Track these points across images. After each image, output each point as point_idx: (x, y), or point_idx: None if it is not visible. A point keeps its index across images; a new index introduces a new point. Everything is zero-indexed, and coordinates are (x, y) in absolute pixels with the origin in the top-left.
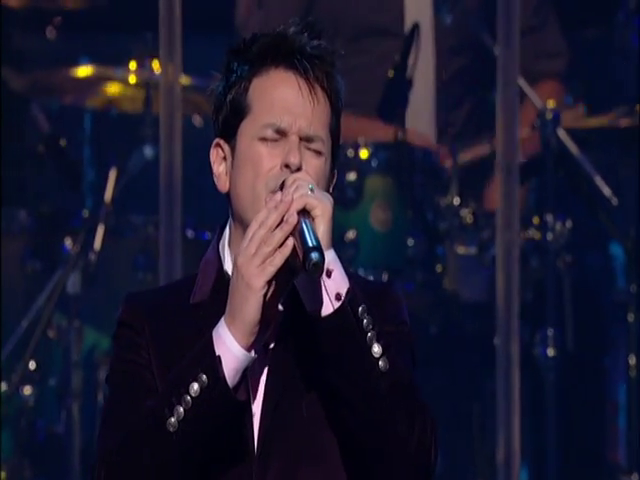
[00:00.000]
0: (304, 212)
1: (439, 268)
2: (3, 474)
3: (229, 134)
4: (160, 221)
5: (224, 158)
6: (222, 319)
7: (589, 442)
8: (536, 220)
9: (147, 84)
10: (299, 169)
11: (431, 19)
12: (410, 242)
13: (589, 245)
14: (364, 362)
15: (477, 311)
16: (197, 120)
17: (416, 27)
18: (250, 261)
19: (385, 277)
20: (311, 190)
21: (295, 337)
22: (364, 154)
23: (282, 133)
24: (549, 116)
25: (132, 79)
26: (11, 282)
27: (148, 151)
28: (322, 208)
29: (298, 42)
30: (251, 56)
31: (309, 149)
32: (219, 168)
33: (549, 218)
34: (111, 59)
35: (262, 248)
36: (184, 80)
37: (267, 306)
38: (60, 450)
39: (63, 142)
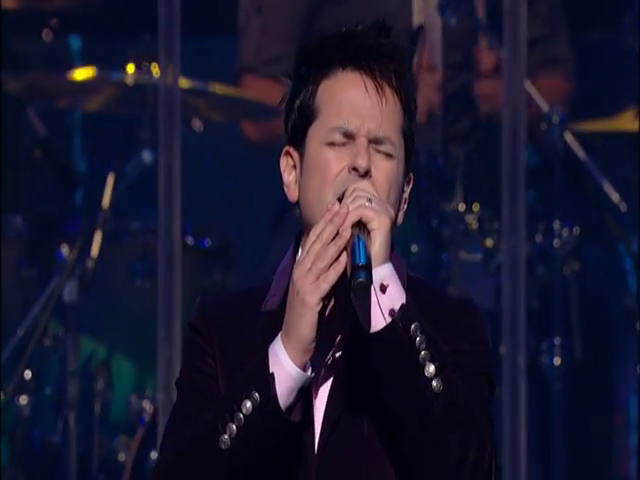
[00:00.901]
0: (360, 225)
1: (444, 275)
2: None
3: (298, 140)
4: (159, 227)
5: (294, 166)
6: (279, 335)
7: (597, 455)
8: (542, 226)
9: (145, 87)
10: (367, 172)
11: (438, 24)
12: (414, 248)
13: (597, 252)
14: (416, 382)
15: None
16: (196, 124)
17: (420, 29)
18: (305, 277)
19: None
20: (369, 201)
21: (359, 353)
22: None
23: (350, 136)
24: (556, 120)
25: (130, 82)
26: (6, 289)
27: (147, 155)
28: (379, 221)
29: (365, 41)
30: (318, 58)
31: (379, 152)
32: (289, 177)
33: (556, 224)
34: (109, 61)
35: (316, 263)
36: (183, 83)
37: (327, 322)
38: (56, 461)
39: (59, 146)
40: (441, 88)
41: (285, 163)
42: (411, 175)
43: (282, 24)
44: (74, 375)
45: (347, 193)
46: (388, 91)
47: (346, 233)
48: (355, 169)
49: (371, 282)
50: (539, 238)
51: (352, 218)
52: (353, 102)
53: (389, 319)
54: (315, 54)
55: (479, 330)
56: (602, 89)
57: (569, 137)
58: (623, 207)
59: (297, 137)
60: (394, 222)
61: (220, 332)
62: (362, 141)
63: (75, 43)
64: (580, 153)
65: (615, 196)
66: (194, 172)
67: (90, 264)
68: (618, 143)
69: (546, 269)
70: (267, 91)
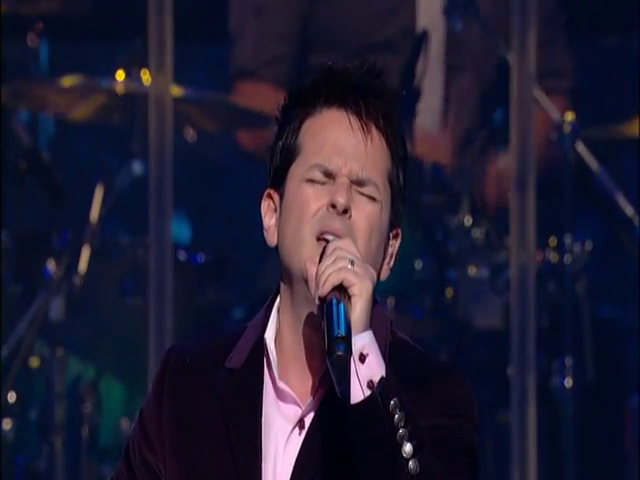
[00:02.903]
0: (341, 288)
1: (449, 292)
2: None
3: (279, 181)
4: (150, 242)
5: (275, 210)
6: None
7: (608, 478)
8: (553, 241)
9: (136, 95)
10: (347, 211)
11: (443, 29)
12: (418, 264)
13: (610, 268)
14: (392, 462)
15: (490, 339)
16: (189, 134)
17: (424, 35)
18: None
19: (391, 302)
20: (351, 263)
21: (331, 421)
22: None
23: (331, 175)
24: (567, 129)
25: (120, 89)
26: None
27: (137, 167)
28: (360, 287)
29: (353, 79)
30: (303, 95)
31: (361, 194)
32: (269, 221)
33: (567, 239)
34: (97, 68)
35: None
36: (175, 91)
37: (300, 380)
38: None
39: (45, 157)
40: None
41: (266, 207)
42: (399, 230)
43: (281, 25)
44: (61, 398)
45: (327, 251)
46: (374, 131)
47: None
48: (334, 206)
49: (350, 354)
50: (550, 253)
51: (332, 281)
52: (336, 140)
53: (367, 392)
54: (301, 93)
55: (462, 402)
56: (613, 96)
57: (581, 147)
58: (637, 221)
59: (278, 177)
60: (377, 278)
61: (175, 397)
62: (343, 180)
63: (62, 49)
64: (593, 164)
65: (629, 210)
66: (186, 184)
67: (78, 281)
68: (630, 153)
69: (557, 286)
70: (264, 96)
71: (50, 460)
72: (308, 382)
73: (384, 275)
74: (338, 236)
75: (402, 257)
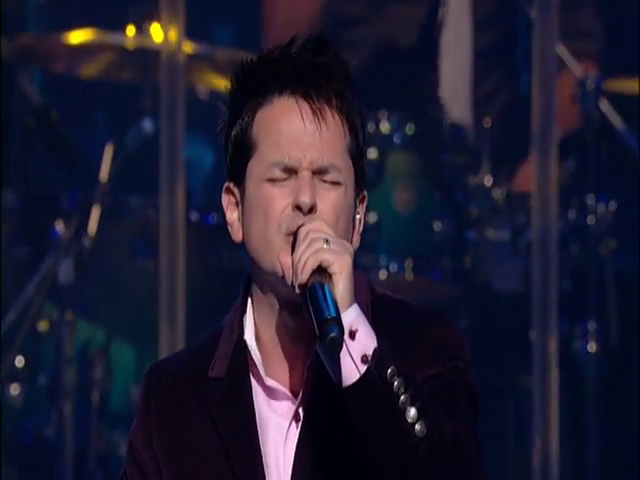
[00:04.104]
0: (320, 270)
1: (469, 255)
2: None
3: (238, 176)
4: (161, 202)
5: (236, 204)
6: None
7: (633, 445)
8: (576, 202)
9: (147, 51)
10: (312, 208)
11: None
12: (437, 226)
13: (634, 229)
14: (398, 429)
15: (511, 302)
16: (202, 91)
17: None
18: None
19: (410, 264)
20: (326, 242)
21: (326, 407)
22: (386, 128)
23: (292, 171)
24: (590, 87)
25: (130, 45)
26: None
27: (147, 125)
28: (340, 264)
29: (301, 64)
30: (252, 85)
31: (324, 181)
32: (232, 215)
33: (590, 199)
34: (107, 23)
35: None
36: (187, 47)
37: (290, 370)
38: (51, 455)
39: (54, 115)
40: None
41: (227, 201)
42: (364, 193)
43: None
44: (70, 362)
45: (300, 237)
46: (329, 114)
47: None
48: (299, 207)
49: (343, 334)
50: (572, 214)
51: (311, 264)
52: (291, 132)
53: (363, 368)
54: (249, 80)
55: (453, 344)
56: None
57: (605, 105)
58: None
59: (236, 173)
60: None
61: (163, 420)
62: (305, 175)
63: (71, 3)
64: (617, 122)
65: None
66: (198, 143)
67: (87, 242)
68: None
69: (580, 248)
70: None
71: (59, 426)
72: (295, 374)
73: (356, 244)
74: None
75: (421, 218)
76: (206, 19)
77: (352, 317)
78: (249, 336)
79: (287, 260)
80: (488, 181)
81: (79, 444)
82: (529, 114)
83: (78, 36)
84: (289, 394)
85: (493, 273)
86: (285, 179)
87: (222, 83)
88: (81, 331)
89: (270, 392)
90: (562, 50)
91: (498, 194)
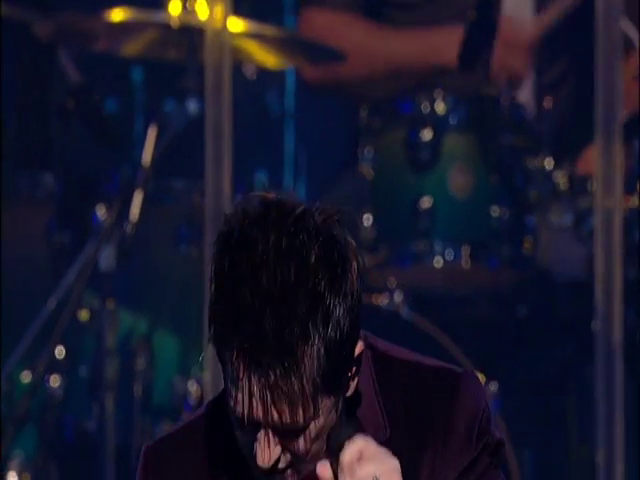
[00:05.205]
0: None
1: (528, 241)
2: (26, 477)
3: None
4: (206, 186)
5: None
6: None
7: None
8: None
9: (191, 29)
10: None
11: None
12: (495, 211)
13: None
14: None
15: (572, 291)
16: (249, 70)
17: None
18: None
19: (466, 251)
20: None
21: None
22: (441, 109)
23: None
24: None
25: (174, 23)
26: (35, 257)
27: (192, 106)
28: None
29: (254, 329)
30: (220, 332)
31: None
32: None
33: None
34: (150, 0)
35: None
36: (234, 24)
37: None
38: (91, 450)
39: (95, 96)
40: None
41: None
42: (360, 344)
43: None
44: (112, 353)
45: (343, 470)
46: (286, 386)
47: None
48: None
49: None
50: (637, 199)
51: None
52: (246, 399)
53: None
54: (218, 327)
55: (481, 413)
56: None
57: None
58: None
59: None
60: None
61: None
62: (260, 435)
63: None
64: None
65: None
66: (245, 124)
67: (129, 228)
68: None
69: None
70: (331, 28)
71: (100, 419)
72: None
73: (351, 390)
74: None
75: (477, 202)
76: None
77: None
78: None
79: (326, 475)
80: (549, 164)
81: (121, 438)
82: (593, 94)
83: (119, 14)
84: None
85: (554, 260)
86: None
87: (270, 61)
88: (123, 321)
89: None
90: (628, 26)
91: (559, 178)
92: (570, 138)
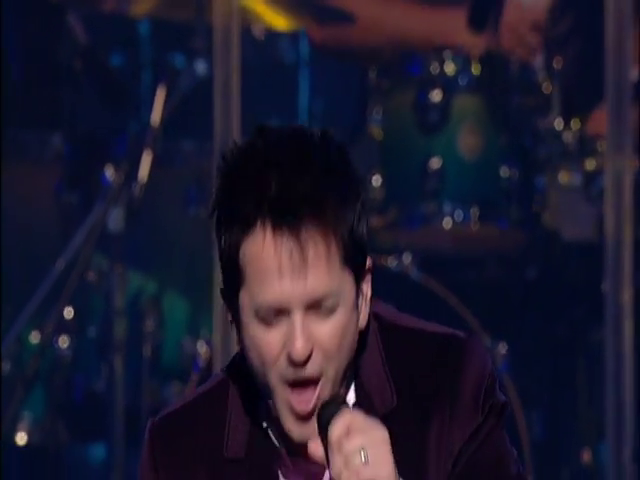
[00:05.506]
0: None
1: (538, 202)
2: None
3: (230, 298)
4: (215, 148)
5: (231, 320)
6: None
7: None
8: None
9: None
10: (308, 358)
11: None
12: (504, 172)
13: None
14: None
15: (582, 252)
16: (258, 31)
17: None
18: None
19: (475, 212)
20: (363, 452)
21: None
22: (450, 69)
23: (282, 312)
24: None
25: None
26: (44, 217)
27: (201, 67)
28: (383, 476)
29: (282, 188)
30: (235, 211)
31: (319, 313)
32: (229, 317)
33: None
34: None
35: None
36: None
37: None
38: (101, 410)
39: (103, 56)
40: None
41: (226, 308)
42: (369, 264)
43: None
44: (121, 314)
45: (332, 444)
46: (313, 243)
47: None
48: (293, 361)
49: None
50: None
51: None
52: (276, 270)
53: None
54: (231, 205)
55: (486, 377)
56: None
57: None
58: None
59: (229, 294)
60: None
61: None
62: (296, 317)
63: None
64: None
65: None
66: (254, 86)
67: (138, 189)
68: None
69: None
70: None
71: (109, 381)
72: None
73: (363, 321)
74: (312, 380)
75: (487, 163)
76: None
77: None
78: (266, 420)
79: (319, 452)
80: (559, 124)
81: (130, 399)
82: (603, 54)
83: None
84: (323, 461)
85: (563, 221)
86: (276, 320)
87: (279, 22)
88: (132, 282)
89: (298, 465)
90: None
91: (569, 138)
92: (580, 98)
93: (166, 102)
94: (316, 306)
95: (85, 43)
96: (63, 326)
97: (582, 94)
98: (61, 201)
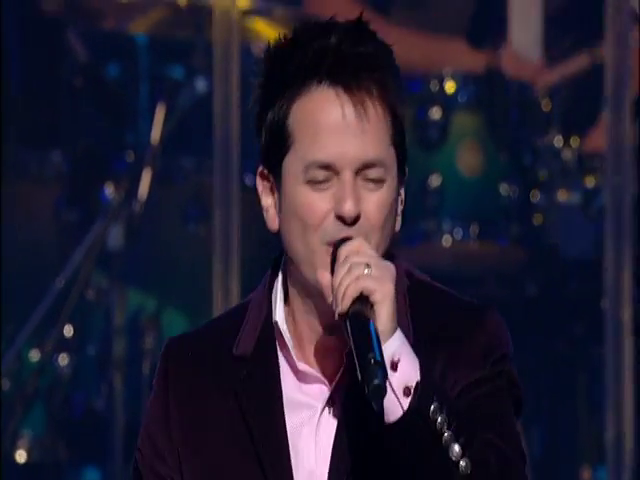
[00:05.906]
0: (361, 297)
1: (537, 219)
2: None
3: (273, 167)
4: (214, 165)
5: (271, 190)
6: None
7: None
8: None
9: (199, 8)
10: (357, 219)
11: None
12: (504, 189)
13: None
14: (441, 469)
15: (582, 269)
16: (257, 49)
17: None
18: None
19: (475, 229)
20: (367, 267)
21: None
22: (450, 87)
23: (332, 170)
24: None
25: (182, 2)
26: (44, 235)
27: (200, 84)
28: (382, 292)
29: (341, 53)
30: (289, 73)
31: (368, 179)
32: (267, 201)
33: None
34: None
35: None
36: (241, 2)
37: (327, 355)
38: (100, 428)
39: (103, 73)
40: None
41: (262, 186)
42: (405, 172)
43: None
44: (120, 331)
45: (339, 259)
46: (371, 105)
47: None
48: (342, 217)
49: (386, 379)
50: None
51: (351, 293)
52: (331, 127)
53: (405, 402)
54: (286, 68)
55: (500, 344)
56: None
57: None
58: None
59: (272, 162)
60: (392, 237)
61: (183, 399)
62: (347, 177)
63: None
64: None
65: None
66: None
67: (138, 207)
68: None
69: None
70: (336, 6)
71: (109, 398)
72: (329, 359)
73: (397, 226)
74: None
75: (486, 181)
76: None
77: (394, 347)
78: (280, 318)
79: (326, 279)
80: (558, 142)
81: (129, 417)
82: (602, 71)
83: None
84: (322, 378)
85: (563, 238)
86: (325, 181)
87: None
88: (131, 299)
89: (301, 376)
90: (637, 4)
91: (569, 155)
92: (579, 115)
93: (166, 119)
94: (366, 172)
95: (85, 60)
96: (63, 344)
97: (581, 111)
98: (61, 218)
